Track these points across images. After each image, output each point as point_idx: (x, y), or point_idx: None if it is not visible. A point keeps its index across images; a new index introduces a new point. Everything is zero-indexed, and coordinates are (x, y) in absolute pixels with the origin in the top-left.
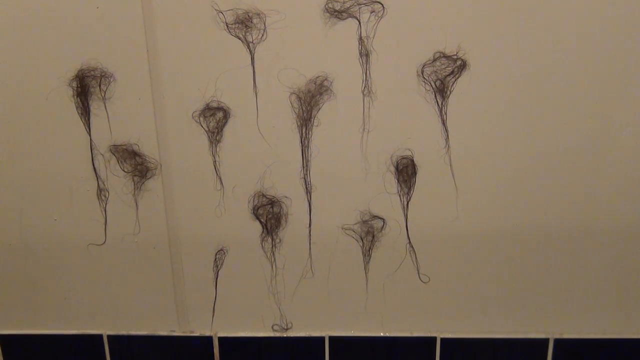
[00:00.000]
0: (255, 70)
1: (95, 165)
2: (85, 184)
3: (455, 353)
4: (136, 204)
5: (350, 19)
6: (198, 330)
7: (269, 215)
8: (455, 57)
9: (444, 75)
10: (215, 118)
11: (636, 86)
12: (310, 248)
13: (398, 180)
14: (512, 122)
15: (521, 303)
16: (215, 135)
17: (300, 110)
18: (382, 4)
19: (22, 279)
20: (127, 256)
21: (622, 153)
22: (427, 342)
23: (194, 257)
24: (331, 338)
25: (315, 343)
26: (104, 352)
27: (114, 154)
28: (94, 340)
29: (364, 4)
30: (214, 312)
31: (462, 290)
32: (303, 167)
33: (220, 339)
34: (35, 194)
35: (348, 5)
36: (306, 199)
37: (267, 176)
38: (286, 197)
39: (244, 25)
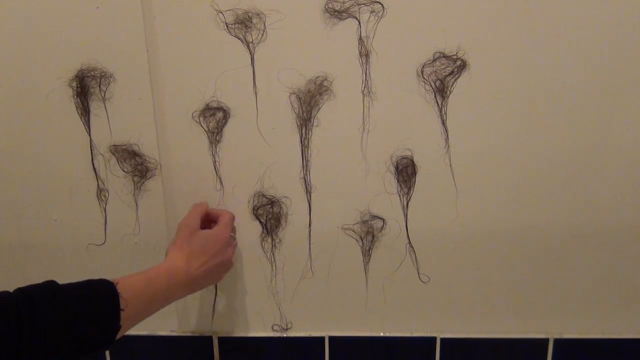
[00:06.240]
0: (255, 70)
1: (95, 165)
2: (85, 184)
3: (455, 353)
4: (136, 204)
5: (350, 19)
6: (198, 330)
7: (269, 215)
8: (455, 57)
9: (443, 75)
10: (215, 118)
11: (637, 86)
12: (310, 248)
13: (398, 181)
14: (511, 122)
15: (521, 303)
16: (215, 135)
17: (300, 110)
18: (382, 4)
19: (22, 279)
20: (127, 256)
21: (622, 153)
22: (427, 342)
23: None
24: (331, 338)
25: (315, 343)
26: (104, 352)
27: (114, 154)
28: None
29: (364, 4)
30: (214, 312)
31: (462, 290)
32: (303, 167)
33: (220, 339)
34: (35, 194)
35: (348, 6)
36: (306, 199)
37: (267, 176)
38: (286, 197)
39: (244, 25)
